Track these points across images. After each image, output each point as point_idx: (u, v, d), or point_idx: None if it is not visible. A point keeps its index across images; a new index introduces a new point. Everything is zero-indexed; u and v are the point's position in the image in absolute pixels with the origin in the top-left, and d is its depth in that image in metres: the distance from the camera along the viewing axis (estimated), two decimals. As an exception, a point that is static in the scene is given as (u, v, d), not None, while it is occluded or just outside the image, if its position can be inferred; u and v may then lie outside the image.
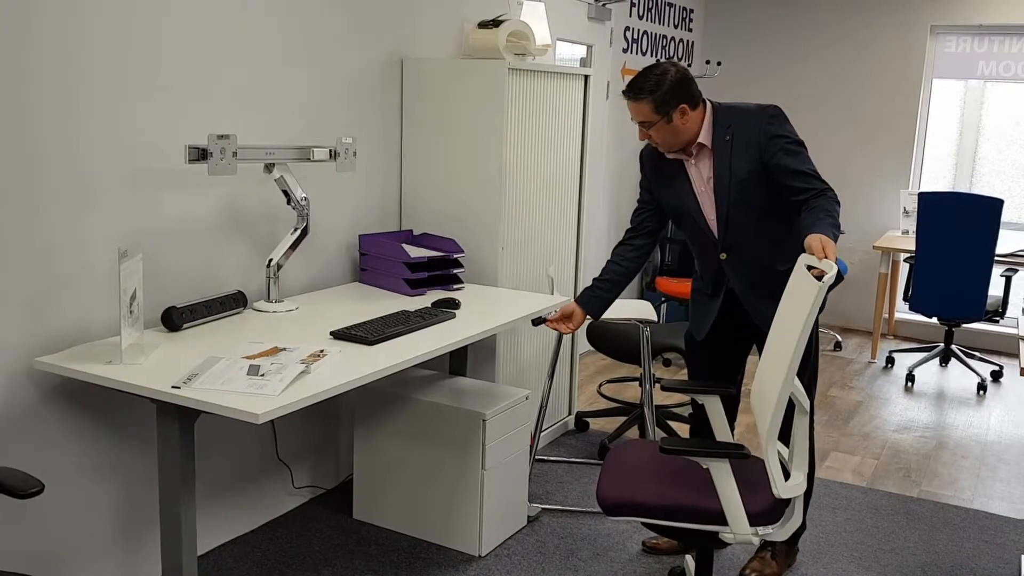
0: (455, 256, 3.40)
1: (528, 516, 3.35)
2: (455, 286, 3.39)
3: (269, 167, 2.88)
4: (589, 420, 4.40)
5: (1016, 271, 5.38)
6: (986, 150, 6.38)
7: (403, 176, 3.71)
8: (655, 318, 3.59)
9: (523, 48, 3.75)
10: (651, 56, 6.08)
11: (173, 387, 2.17)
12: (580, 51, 5.29)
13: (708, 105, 2.82)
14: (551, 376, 3.60)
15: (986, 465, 4.14)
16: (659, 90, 2.72)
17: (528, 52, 3.78)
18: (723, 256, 2.84)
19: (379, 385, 3.21)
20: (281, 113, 3.09)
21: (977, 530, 3.46)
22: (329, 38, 3.25)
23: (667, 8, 6.23)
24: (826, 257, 2.48)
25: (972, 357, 5.75)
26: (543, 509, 3.45)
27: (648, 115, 2.74)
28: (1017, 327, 5.98)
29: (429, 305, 3.06)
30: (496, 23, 3.68)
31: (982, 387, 5.27)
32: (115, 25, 2.51)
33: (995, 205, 4.97)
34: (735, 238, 2.81)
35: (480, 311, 3.06)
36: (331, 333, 2.66)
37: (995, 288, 5.28)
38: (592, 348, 4.12)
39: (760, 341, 2.90)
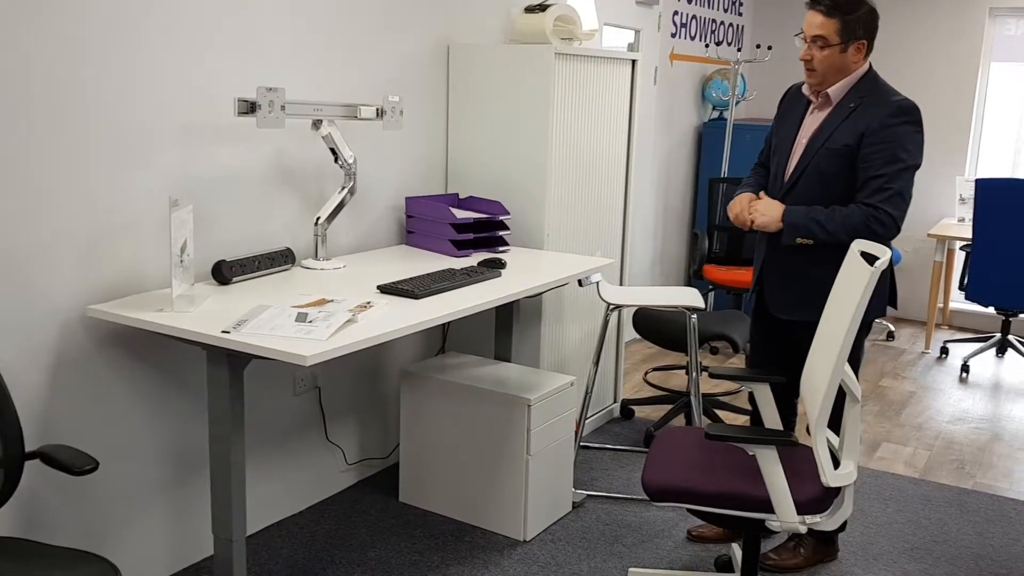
0: (500, 218, 3.41)
1: (573, 502, 3.34)
2: (501, 248, 3.40)
3: (317, 124, 2.90)
4: (634, 408, 4.38)
5: (1077, 260, 5.23)
6: (1047, 135, 6.20)
7: (448, 167, 3.71)
8: (702, 305, 3.55)
9: (570, 33, 3.73)
10: (700, 41, 6.00)
11: (223, 332, 2.20)
12: (628, 36, 5.24)
13: (867, 65, 2.76)
14: (596, 363, 3.59)
15: (1044, 458, 4.04)
16: (853, 13, 2.65)
17: (575, 37, 3.75)
18: None
19: (424, 370, 3.23)
20: (329, 89, 3.11)
21: (1034, 524, 3.38)
22: (376, 23, 3.26)
23: (716, -8, 6.14)
24: (747, 215, 2.77)
25: (1030, 348, 5.62)
26: (588, 495, 3.45)
27: (831, 34, 2.66)
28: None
29: (475, 264, 3.07)
30: (543, 8, 3.66)
31: (1040, 378, 5.14)
32: None
33: (1056, 191, 4.83)
34: (794, 201, 2.77)
35: (527, 271, 3.08)
36: (378, 287, 2.68)
37: (1055, 277, 5.14)
38: (638, 336, 4.09)
39: (792, 339, 2.87)
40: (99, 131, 2.43)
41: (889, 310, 6.67)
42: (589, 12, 4.00)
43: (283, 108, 2.70)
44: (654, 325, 4.04)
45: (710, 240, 5.41)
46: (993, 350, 5.71)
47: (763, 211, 2.76)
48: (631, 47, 5.26)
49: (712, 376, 2.74)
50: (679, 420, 4.21)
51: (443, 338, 3.80)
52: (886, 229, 2.63)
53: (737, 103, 5.93)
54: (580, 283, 3.15)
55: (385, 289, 2.66)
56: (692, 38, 5.90)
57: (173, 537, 2.80)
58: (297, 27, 2.96)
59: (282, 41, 2.91)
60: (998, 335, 5.53)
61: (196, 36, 2.64)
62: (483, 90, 3.59)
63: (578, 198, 3.75)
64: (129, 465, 2.64)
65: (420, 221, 3.40)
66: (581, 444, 3.91)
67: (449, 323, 3.80)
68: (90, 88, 2.39)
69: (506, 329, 3.48)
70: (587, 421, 4.02)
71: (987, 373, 5.31)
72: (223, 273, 2.66)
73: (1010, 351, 5.64)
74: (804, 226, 2.69)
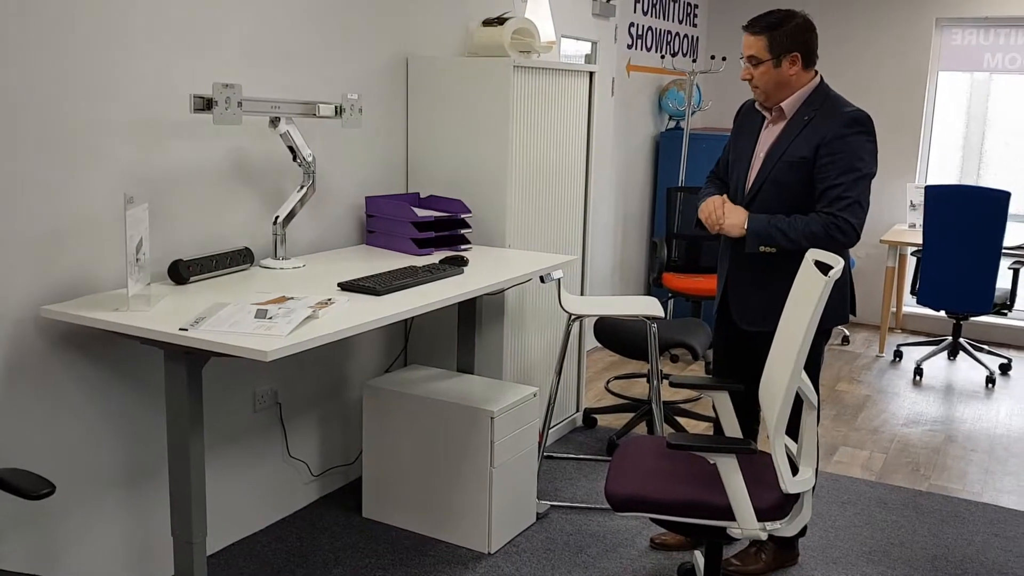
0: (462, 216, 3.42)
1: (537, 513, 3.35)
2: (463, 247, 3.41)
3: (275, 121, 2.88)
4: (597, 416, 4.40)
5: (1024, 264, 5.37)
6: (993, 143, 6.36)
7: (408, 169, 3.71)
8: (662, 314, 3.58)
9: (528, 45, 3.75)
10: (656, 52, 6.07)
11: (180, 329, 2.17)
12: (585, 48, 5.29)
13: (818, 78, 2.81)
14: (559, 373, 3.61)
15: (995, 458, 4.14)
16: (778, 29, 2.73)
17: (533, 49, 3.77)
18: None
19: (386, 383, 3.22)
20: (287, 94, 3.10)
21: (987, 523, 3.46)
22: (335, 33, 3.25)
23: (672, 3, 6.22)
24: (716, 220, 2.80)
25: (980, 350, 5.72)
26: (552, 506, 3.46)
27: (760, 51, 2.74)
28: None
29: (437, 262, 3.08)
30: (501, 21, 3.68)
31: (991, 380, 5.25)
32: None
33: (1002, 198, 4.95)
34: (756, 213, 2.81)
35: (489, 268, 3.09)
36: (339, 284, 2.66)
37: (1003, 281, 5.26)
38: (599, 344, 4.12)
39: (754, 350, 2.91)
40: (50, 127, 2.38)
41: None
42: (546, 24, 4.03)
43: (240, 105, 2.67)
44: (615, 334, 4.07)
45: (669, 249, 5.47)
46: (945, 353, 5.83)
47: (728, 215, 2.81)
48: (588, 58, 5.30)
49: (672, 385, 2.76)
50: (641, 428, 4.24)
51: (404, 347, 3.80)
52: (846, 236, 2.69)
53: (693, 113, 6.00)
54: (542, 279, 3.19)
55: (346, 286, 2.64)
56: (648, 49, 5.97)
57: (132, 555, 2.76)
58: (256, 31, 2.93)
59: (240, 43, 2.89)
60: (949, 338, 5.65)
61: (151, 31, 2.60)
62: (443, 101, 3.60)
63: (538, 207, 3.77)
64: (86, 477, 2.59)
65: (381, 220, 3.39)
66: (545, 454, 3.92)
67: (410, 333, 3.79)
68: (41, 83, 2.34)
69: (468, 339, 3.49)
70: (550, 431, 4.04)
71: (940, 376, 5.43)
72: (180, 273, 2.62)
73: (961, 354, 5.77)
74: (767, 233, 2.74)
